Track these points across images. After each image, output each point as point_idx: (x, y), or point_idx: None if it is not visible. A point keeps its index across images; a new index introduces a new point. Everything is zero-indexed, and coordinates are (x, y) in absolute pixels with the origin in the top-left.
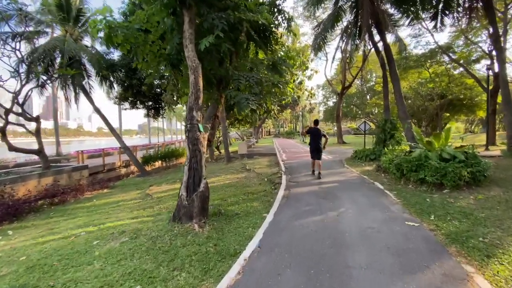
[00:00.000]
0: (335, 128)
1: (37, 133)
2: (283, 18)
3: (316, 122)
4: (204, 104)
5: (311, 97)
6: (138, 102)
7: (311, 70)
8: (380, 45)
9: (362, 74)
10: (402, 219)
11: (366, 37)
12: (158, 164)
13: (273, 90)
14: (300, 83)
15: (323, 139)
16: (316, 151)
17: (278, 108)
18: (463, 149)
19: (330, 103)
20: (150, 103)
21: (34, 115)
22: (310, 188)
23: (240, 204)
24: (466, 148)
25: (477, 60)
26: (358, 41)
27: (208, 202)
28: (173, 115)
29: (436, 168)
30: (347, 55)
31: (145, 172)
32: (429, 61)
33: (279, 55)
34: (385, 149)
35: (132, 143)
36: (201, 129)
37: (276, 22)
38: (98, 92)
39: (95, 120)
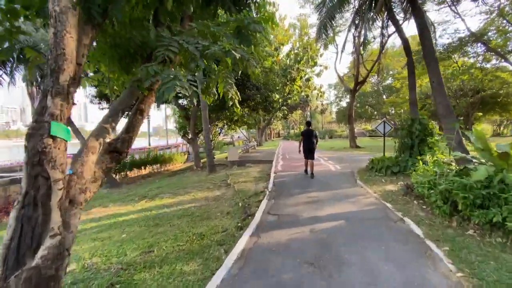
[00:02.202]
0: (348, 130)
1: None
2: None
3: (308, 123)
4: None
5: (321, 96)
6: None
7: (320, 65)
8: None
9: (379, 67)
10: None
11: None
12: (134, 173)
13: (228, 63)
14: (308, 80)
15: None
16: (308, 151)
17: (285, 108)
18: None
19: (343, 104)
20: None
21: None
22: (296, 232)
23: (164, 265)
24: None
25: None
26: (373, 15)
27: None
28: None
29: None
30: (361, 40)
31: (115, 182)
32: (458, 51)
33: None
34: (420, 162)
35: (145, 145)
36: (55, 131)
37: None
38: None
39: None
